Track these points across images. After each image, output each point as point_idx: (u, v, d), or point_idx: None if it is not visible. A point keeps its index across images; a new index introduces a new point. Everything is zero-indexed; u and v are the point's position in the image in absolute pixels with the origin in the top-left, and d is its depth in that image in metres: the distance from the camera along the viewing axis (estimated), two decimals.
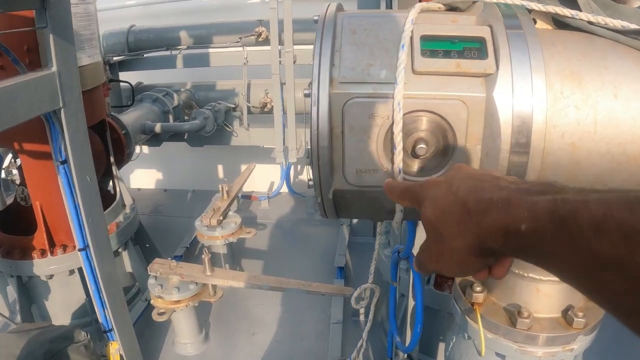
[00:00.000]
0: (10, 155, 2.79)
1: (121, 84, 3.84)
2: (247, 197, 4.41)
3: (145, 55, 4.06)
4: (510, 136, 0.74)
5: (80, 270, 2.48)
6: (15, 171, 2.75)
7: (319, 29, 0.83)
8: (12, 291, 2.67)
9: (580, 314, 0.98)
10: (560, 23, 0.85)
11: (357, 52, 0.81)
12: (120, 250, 2.84)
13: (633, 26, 0.76)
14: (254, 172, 3.84)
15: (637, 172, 0.75)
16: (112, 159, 2.85)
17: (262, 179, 4.61)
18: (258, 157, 4.16)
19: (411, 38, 0.79)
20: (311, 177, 0.86)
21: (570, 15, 0.81)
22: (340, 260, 3.19)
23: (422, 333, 1.27)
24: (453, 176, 0.60)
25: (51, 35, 1.52)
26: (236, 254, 3.30)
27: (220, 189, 3.12)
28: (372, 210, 0.91)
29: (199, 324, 2.58)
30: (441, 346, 2.07)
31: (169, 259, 2.35)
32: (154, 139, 3.76)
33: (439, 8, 0.90)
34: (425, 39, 0.79)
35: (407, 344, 1.47)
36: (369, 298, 1.52)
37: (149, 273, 2.32)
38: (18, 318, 2.60)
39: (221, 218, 2.82)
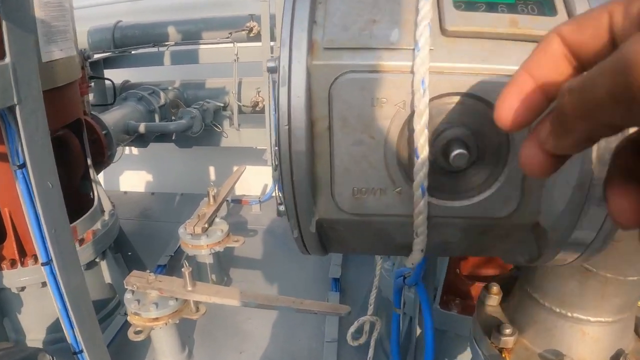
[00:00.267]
0: None
1: (106, 82, 3.71)
2: (238, 201, 4.25)
3: (132, 52, 3.95)
4: None
5: None
6: None
7: None
8: None
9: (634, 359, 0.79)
10: None
11: (353, 1, 0.54)
12: (97, 260, 2.67)
13: None
14: (245, 175, 3.69)
15: None
16: (89, 161, 2.66)
17: (254, 181, 4.47)
18: (250, 158, 4.04)
19: None
20: (281, 198, 0.59)
21: None
22: (336, 271, 3.00)
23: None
24: None
25: (4, 23, 1.34)
26: (224, 263, 3.12)
27: (207, 193, 2.93)
28: (376, 246, 0.66)
29: (181, 341, 2.39)
30: None
31: (148, 271, 2.15)
32: (140, 140, 3.62)
33: None
34: None
35: None
36: (368, 333, 1.29)
37: (125, 287, 2.13)
38: None
39: (206, 225, 2.63)
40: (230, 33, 3.33)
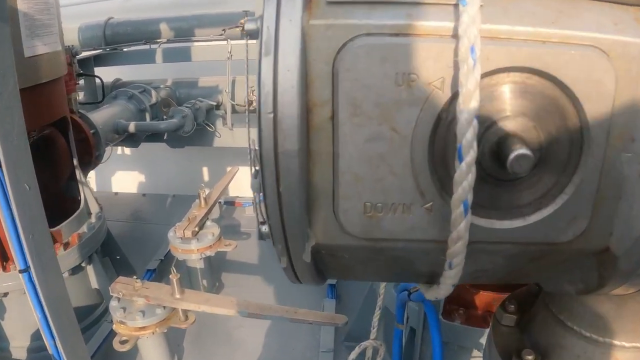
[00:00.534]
0: None
1: (97, 80, 3.61)
2: (231, 203, 4.15)
3: (124, 50, 3.87)
4: None
5: None
6: None
7: None
8: None
9: None
10: None
11: None
12: (83, 264, 2.57)
13: None
14: (239, 176, 3.60)
15: None
16: (75, 162, 2.55)
17: (248, 183, 4.33)
18: (243, 159, 3.92)
19: None
20: (263, 215, 0.43)
21: None
22: None
23: None
24: None
25: None
26: (215, 268, 3.02)
27: (198, 195, 2.83)
28: (388, 275, 0.50)
29: (170, 350, 2.29)
30: None
31: (135, 277, 2.04)
32: (131, 140, 3.54)
33: None
34: None
35: None
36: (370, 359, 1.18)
37: (111, 294, 2.02)
38: None
39: (197, 229, 2.52)
40: (224, 30, 3.22)
